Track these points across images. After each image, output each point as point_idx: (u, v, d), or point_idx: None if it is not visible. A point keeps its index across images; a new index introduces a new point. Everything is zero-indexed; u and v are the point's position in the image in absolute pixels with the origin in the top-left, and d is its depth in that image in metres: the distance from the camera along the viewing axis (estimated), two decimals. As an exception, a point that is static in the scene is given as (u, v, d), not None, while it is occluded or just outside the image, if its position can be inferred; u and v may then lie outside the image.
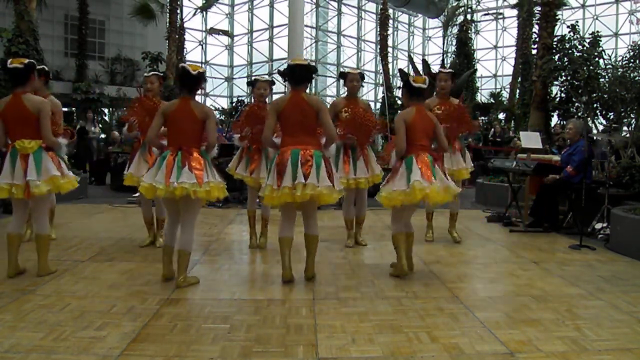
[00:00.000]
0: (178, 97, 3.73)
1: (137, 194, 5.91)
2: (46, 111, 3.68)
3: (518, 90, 17.65)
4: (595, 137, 7.60)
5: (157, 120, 3.71)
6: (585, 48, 9.13)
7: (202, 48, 26.73)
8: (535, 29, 11.51)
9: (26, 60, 3.75)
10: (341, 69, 28.71)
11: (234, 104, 19.52)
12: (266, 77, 5.19)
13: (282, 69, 3.84)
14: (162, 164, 3.54)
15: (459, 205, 5.44)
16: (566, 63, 9.27)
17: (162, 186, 3.46)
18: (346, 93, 4.97)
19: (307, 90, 3.81)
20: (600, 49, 9.17)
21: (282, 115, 3.69)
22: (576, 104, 9.52)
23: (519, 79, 17.81)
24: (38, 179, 3.60)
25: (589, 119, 8.96)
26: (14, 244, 3.74)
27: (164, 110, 3.71)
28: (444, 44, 23.27)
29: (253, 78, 4.98)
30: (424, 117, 3.92)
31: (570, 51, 9.26)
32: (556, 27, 10.69)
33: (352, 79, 4.85)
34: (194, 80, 3.69)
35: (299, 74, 3.72)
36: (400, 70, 20.33)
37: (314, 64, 3.78)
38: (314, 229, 3.82)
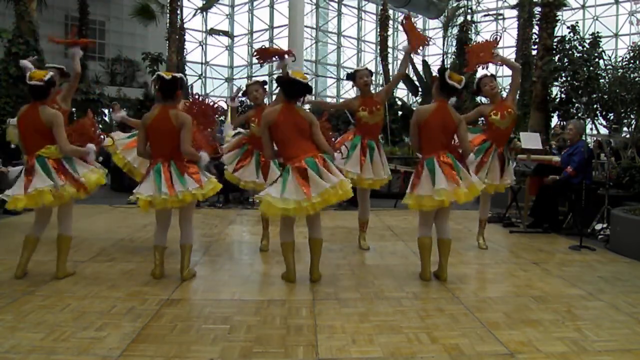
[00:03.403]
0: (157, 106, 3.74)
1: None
2: (59, 123, 3.63)
3: (518, 91, 17.62)
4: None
5: (141, 133, 3.77)
6: (585, 49, 9.13)
7: (202, 49, 26.75)
8: (536, 29, 11.52)
9: (46, 76, 3.67)
10: (342, 70, 28.74)
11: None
12: (255, 79, 5.11)
13: (281, 75, 3.79)
14: (160, 177, 3.56)
15: (488, 211, 5.28)
16: (566, 64, 9.27)
17: (167, 197, 3.52)
18: (359, 92, 4.84)
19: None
20: (600, 49, 9.17)
21: (275, 128, 3.64)
22: (576, 105, 9.52)
23: (519, 80, 17.78)
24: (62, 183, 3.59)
25: (588, 119, 8.97)
26: (29, 247, 3.76)
27: (143, 121, 3.75)
28: (444, 44, 23.25)
29: (244, 86, 4.91)
30: (444, 115, 3.80)
31: (570, 52, 9.26)
32: (556, 28, 10.70)
33: (361, 75, 4.68)
34: (169, 85, 3.68)
35: (297, 90, 3.65)
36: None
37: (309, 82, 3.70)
38: (319, 232, 3.81)
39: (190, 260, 3.86)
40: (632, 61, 8.20)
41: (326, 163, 3.59)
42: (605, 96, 8.29)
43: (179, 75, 3.81)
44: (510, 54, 26.49)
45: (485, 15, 28.19)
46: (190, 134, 3.64)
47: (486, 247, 5.15)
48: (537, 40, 10.66)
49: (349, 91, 28.83)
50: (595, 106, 8.68)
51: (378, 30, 22.01)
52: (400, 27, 4.66)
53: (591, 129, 9.07)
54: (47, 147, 3.63)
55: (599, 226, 5.91)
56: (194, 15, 22.25)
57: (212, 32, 22.51)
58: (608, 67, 8.86)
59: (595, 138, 9.34)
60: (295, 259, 3.80)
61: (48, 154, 3.63)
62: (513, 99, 5.10)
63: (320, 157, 3.59)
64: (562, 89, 9.89)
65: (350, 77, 4.80)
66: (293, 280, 3.77)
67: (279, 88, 3.84)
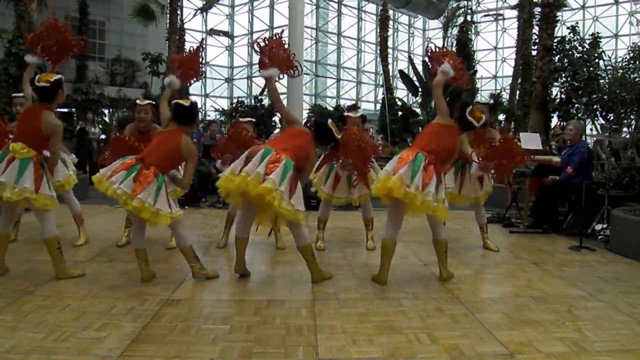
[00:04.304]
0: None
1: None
2: (58, 134, 3.67)
3: (518, 92, 17.65)
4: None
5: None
6: (585, 49, 9.13)
7: (202, 49, 26.75)
8: (536, 30, 11.53)
9: (52, 78, 3.65)
10: (342, 70, 28.75)
11: (233, 105, 19.54)
12: (248, 119, 5.27)
13: (317, 120, 4.03)
14: (128, 176, 3.46)
15: (483, 216, 5.19)
16: (566, 64, 9.27)
17: (104, 179, 3.46)
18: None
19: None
20: (600, 50, 9.17)
21: (290, 131, 3.89)
22: (576, 105, 9.53)
23: (519, 80, 17.82)
24: (12, 184, 3.47)
25: (588, 120, 8.97)
26: (1, 243, 3.76)
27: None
28: (444, 45, 23.29)
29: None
30: (448, 133, 3.76)
31: (570, 52, 9.26)
32: (556, 28, 10.71)
33: (354, 123, 4.65)
34: (188, 112, 3.76)
35: (326, 138, 4.00)
36: (401, 72, 20.30)
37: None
38: (301, 239, 3.74)
39: (193, 260, 3.78)
40: (632, 62, 8.20)
41: (277, 163, 3.50)
42: (605, 97, 8.29)
43: (194, 100, 3.91)
44: (510, 54, 26.59)
45: (485, 16, 28.24)
46: (193, 170, 3.84)
47: (497, 249, 5.08)
48: (537, 40, 10.68)
49: (349, 91, 28.91)
50: (595, 107, 8.68)
51: (378, 30, 22.03)
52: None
53: (591, 130, 9.08)
54: (17, 144, 3.55)
55: (599, 226, 5.91)
56: (194, 15, 22.30)
57: (212, 32, 22.53)
58: (608, 67, 8.86)
59: (595, 138, 9.34)
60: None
61: (13, 150, 3.54)
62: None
63: (280, 157, 3.53)
64: (562, 90, 9.89)
65: (341, 118, 4.85)
66: (239, 270, 3.88)
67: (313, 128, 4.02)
